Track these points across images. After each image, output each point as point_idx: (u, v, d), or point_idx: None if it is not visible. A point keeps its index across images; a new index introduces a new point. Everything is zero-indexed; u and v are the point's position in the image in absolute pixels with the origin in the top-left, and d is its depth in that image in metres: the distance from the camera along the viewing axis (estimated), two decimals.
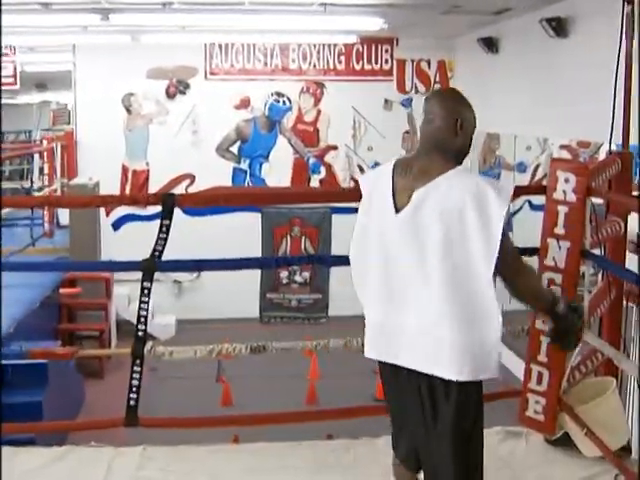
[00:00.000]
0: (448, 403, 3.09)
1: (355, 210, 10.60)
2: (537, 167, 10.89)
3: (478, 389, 3.14)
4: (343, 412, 5.18)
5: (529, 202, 10.63)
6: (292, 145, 11.26)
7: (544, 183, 10.65)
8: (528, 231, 10.20)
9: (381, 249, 3.20)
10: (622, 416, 4.68)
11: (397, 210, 3.12)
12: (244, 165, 11.22)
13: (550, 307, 3.40)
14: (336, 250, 11.23)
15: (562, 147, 10.99)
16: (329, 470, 4.54)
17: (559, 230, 4.36)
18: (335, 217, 11.26)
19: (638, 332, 5.36)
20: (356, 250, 3.36)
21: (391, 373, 3.27)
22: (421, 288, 3.09)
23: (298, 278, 11.52)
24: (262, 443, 4.86)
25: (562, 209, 4.35)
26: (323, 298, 11.58)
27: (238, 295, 10.78)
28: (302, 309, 11.60)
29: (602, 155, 11.17)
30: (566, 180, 4.34)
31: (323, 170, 11.35)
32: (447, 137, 3.14)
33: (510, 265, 3.11)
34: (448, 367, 3.05)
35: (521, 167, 10.94)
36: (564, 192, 4.35)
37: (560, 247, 4.34)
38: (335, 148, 11.36)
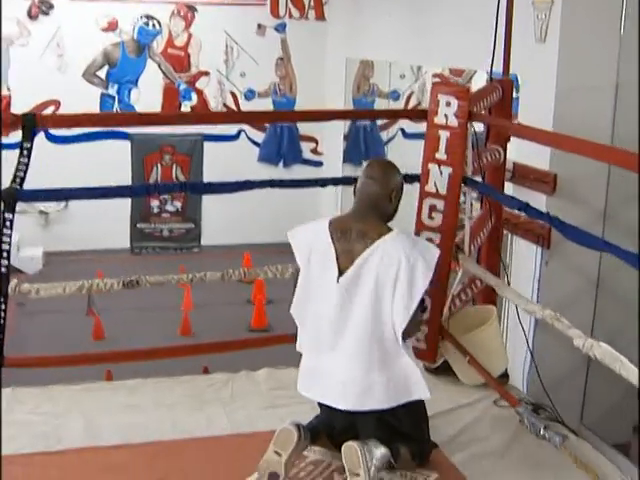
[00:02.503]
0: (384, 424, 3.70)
1: (227, 138, 10.31)
2: (410, 95, 10.88)
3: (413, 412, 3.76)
4: (219, 346, 5.07)
5: (402, 130, 10.67)
6: (162, 70, 10.86)
7: None
8: (401, 159, 10.27)
9: (318, 304, 3.66)
10: (502, 343, 4.76)
11: (340, 273, 3.58)
12: (112, 91, 10.76)
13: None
14: (208, 178, 10.98)
15: (435, 75, 11.06)
16: (208, 405, 4.46)
17: (440, 155, 4.33)
18: (207, 144, 11.00)
19: (513, 259, 5.44)
20: (297, 307, 3.79)
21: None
22: (350, 339, 3.59)
23: (169, 207, 11.24)
24: (138, 379, 4.73)
25: (444, 134, 4.31)
26: (195, 227, 11.34)
27: (108, 226, 10.45)
28: (174, 239, 11.34)
29: (475, 83, 11.31)
30: (448, 104, 4.28)
31: (194, 97, 11.00)
32: (384, 203, 3.66)
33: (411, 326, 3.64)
34: (377, 403, 3.62)
35: (395, 95, 10.90)
36: (446, 116, 4.30)
37: (442, 173, 4.32)
38: (207, 74, 10.99)
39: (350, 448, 3.49)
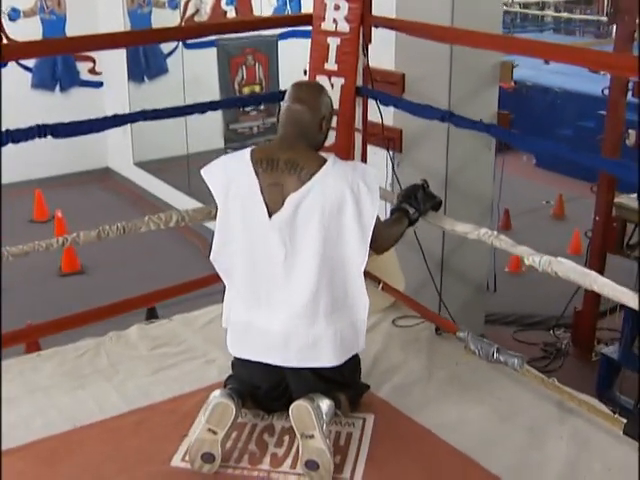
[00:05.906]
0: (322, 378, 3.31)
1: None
2: (188, 2, 10.26)
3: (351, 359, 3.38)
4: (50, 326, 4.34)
5: (183, 43, 10.06)
6: None
7: (196, 19, 9.83)
8: (188, 72, 9.65)
9: (247, 250, 3.19)
10: (398, 263, 4.47)
11: (269, 211, 3.11)
12: None
13: (410, 223, 3.62)
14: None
15: None
16: (89, 381, 3.82)
17: (330, 66, 3.89)
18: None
19: None
20: (219, 253, 3.26)
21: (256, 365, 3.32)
22: (292, 288, 3.15)
23: None
24: None
25: (333, 41, 3.83)
26: None
27: None
28: None
29: None
30: (336, 7, 3.79)
31: None
32: (314, 131, 3.25)
33: (378, 242, 3.27)
34: (325, 359, 3.24)
35: (172, 4, 10.30)
36: (335, 21, 3.82)
37: (333, 85, 3.87)
38: None
39: (299, 408, 3.06)
